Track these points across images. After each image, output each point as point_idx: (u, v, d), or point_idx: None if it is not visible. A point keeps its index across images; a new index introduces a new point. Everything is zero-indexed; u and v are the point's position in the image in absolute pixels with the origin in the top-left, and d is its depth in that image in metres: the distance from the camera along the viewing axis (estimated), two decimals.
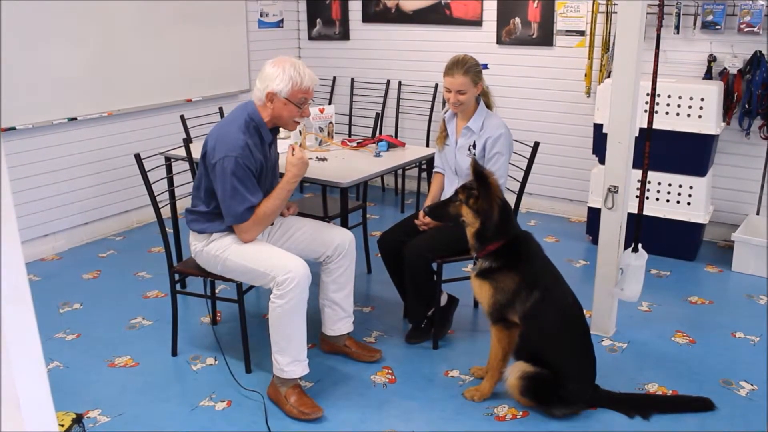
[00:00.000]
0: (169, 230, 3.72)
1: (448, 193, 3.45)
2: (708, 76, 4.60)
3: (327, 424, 2.84)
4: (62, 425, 2.55)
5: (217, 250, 2.99)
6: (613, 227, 3.39)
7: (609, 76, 4.69)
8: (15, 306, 0.99)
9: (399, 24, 5.93)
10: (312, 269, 2.90)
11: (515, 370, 2.86)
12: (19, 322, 0.99)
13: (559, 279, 2.92)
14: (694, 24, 4.59)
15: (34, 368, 1.05)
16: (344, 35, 6.26)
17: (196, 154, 3.39)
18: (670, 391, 3.06)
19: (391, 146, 3.99)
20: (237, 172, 2.79)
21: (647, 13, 3.99)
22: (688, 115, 4.31)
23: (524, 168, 3.59)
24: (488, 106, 3.44)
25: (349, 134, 6.08)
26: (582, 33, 5.10)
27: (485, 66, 3.41)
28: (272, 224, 3.20)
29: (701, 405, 2.91)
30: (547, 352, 2.83)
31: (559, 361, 2.81)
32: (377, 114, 4.66)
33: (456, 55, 3.35)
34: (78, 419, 2.63)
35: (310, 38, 6.49)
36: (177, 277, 3.35)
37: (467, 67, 3.27)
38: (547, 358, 2.82)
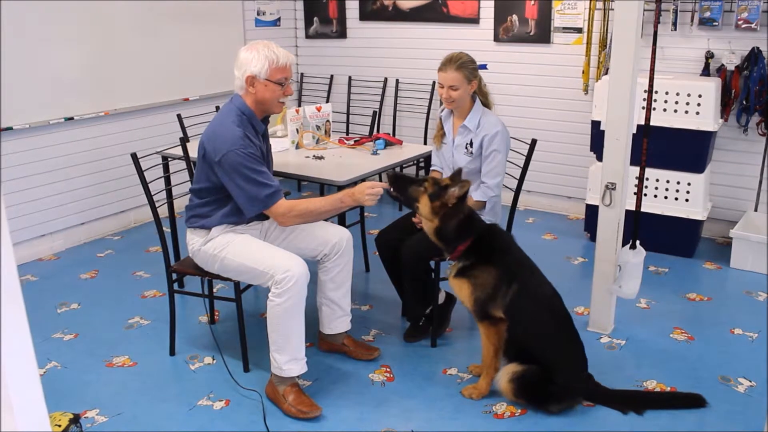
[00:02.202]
0: (167, 230, 3.72)
1: None
2: (706, 72, 4.60)
3: (325, 422, 2.84)
4: (59, 425, 2.55)
5: (214, 249, 2.99)
6: (611, 224, 3.39)
7: (606, 73, 4.68)
8: (7, 308, 0.98)
9: (396, 22, 5.92)
10: (309, 268, 2.89)
11: (505, 374, 2.86)
12: (10, 324, 0.99)
13: (535, 270, 2.92)
14: (692, 20, 4.59)
15: (27, 371, 1.04)
16: (341, 33, 6.25)
17: (193, 153, 3.38)
18: (669, 388, 3.06)
19: (388, 144, 3.98)
20: (246, 163, 2.79)
21: (644, 10, 3.99)
22: (686, 112, 4.31)
23: (522, 165, 3.58)
24: (487, 105, 3.44)
25: (347, 132, 6.07)
26: (579, 30, 5.10)
27: (484, 66, 3.41)
28: (270, 224, 3.19)
29: (693, 401, 2.91)
30: (533, 344, 2.83)
31: (545, 352, 2.81)
32: (375, 112, 4.65)
33: (452, 52, 3.35)
34: (75, 419, 2.63)
35: (308, 37, 6.48)
36: (175, 276, 3.34)
37: (460, 63, 3.27)
38: (533, 352, 2.82)
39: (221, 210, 2.98)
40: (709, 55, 4.57)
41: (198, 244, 3.04)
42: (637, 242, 3.33)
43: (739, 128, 4.58)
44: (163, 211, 3.52)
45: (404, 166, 3.78)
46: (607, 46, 4.89)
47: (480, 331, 2.93)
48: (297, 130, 3.97)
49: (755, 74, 4.35)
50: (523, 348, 2.85)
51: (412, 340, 3.48)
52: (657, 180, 4.51)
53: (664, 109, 4.36)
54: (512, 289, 2.79)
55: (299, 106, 6.11)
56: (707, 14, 4.50)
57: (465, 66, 3.28)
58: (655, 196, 4.53)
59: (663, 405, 2.91)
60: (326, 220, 3.51)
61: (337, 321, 3.26)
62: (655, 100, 4.35)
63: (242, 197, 2.86)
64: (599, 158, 4.41)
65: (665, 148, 4.35)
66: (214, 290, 3.84)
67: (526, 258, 2.93)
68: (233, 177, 2.82)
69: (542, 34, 5.24)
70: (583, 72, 5.11)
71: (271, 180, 2.88)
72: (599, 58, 5.00)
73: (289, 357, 2.88)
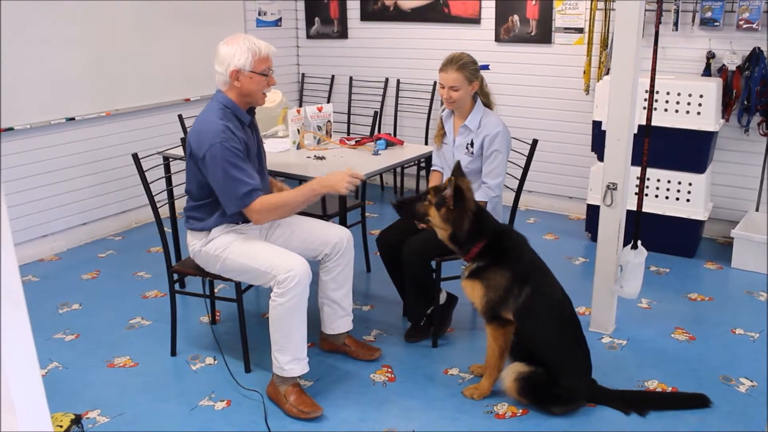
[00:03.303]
0: (168, 230, 3.72)
1: None
2: (707, 72, 4.60)
3: (326, 423, 2.84)
4: (61, 426, 2.55)
5: (216, 250, 2.98)
6: (612, 224, 3.38)
7: (608, 74, 4.68)
8: (8, 309, 0.98)
9: (397, 22, 5.92)
10: (311, 268, 2.89)
11: (510, 373, 2.85)
12: (12, 325, 0.99)
13: (548, 272, 2.91)
14: (693, 21, 4.59)
15: (29, 371, 1.04)
16: (342, 34, 6.26)
17: None
18: (670, 388, 3.06)
19: (389, 144, 3.98)
20: (226, 157, 2.78)
21: (646, 10, 3.99)
22: (687, 112, 4.30)
23: (523, 165, 3.58)
24: (488, 105, 3.43)
25: (348, 133, 6.08)
26: (581, 30, 5.09)
27: (486, 67, 3.40)
28: (270, 224, 3.19)
29: (697, 401, 2.91)
30: (541, 347, 2.82)
31: (552, 356, 2.80)
32: (376, 112, 4.65)
33: (453, 53, 3.35)
34: (77, 420, 2.63)
35: (309, 37, 6.48)
36: (176, 276, 3.35)
37: (461, 64, 3.27)
38: (540, 354, 2.81)
39: (218, 210, 2.97)
40: (711, 56, 4.57)
41: (198, 246, 3.04)
42: (639, 242, 3.33)
43: (740, 128, 4.58)
44: (164, 212, 3.53)
45: (405, 166, 3.79)
46: (609, 46, 4.89)
47: (487, 332, 2.92)
48: (298, 130, 3.97)
49: (756, 74, 4.35)
50: (530, 349, 2.84)
51: (413, 340, 3.48)
52: (658, 180, 4.50)
53: (666, 110, 4.36)
54: (525, 292, 2.79)
55: (300, 106, 6.11)
56: (708, 14, 4.50)
57: (466, 67, 3.28)
58: (657, 196, 4.53)
59: (667, 405, 2.91)
60: (327, 220, 3.52)
61: (338, 321, 3.26)
62: (657, 101, 4.34)
63: (221, 194, 2.86)
64: (600, 158, 4.41)
65: (666, 148, 4.35)
66: (216, 290, 3.84)
67: (539, 260, 2.92)
68: (215, 171, 2.80)
69: (543, 35, 5.24)
70: (584, 72, 5.11)
71: (251, 177, 2.84)
72: (600, 58, 4.99)
73: (291, 357, 2.88)
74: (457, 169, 2.89)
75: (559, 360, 2.81)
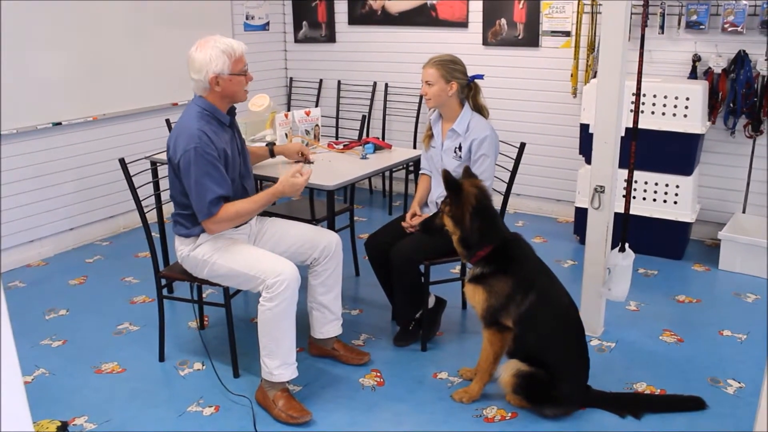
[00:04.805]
0: (156, 235, 3.70)
1: (434, 195, 3.46)
2: (693, 75, 4.63)
3: (316, 427, 2.83)
4: None
5: (204, 255, 2.97)
6: (600, 227, 3.40)
7: (595, 76, 4.71)
8: None
9: (385, 26, 5.93)
10: (300, 272, 2.88)
11: (510, 367, 2.84)
12: None
13: (554, 280, 2.91)
14: (679, 24, 4.62)
15: (11, 378, 1.03)
16: (330, 37, 6.26)
17: None
18: (659, 390, 3.07)
19: (377, 148, 3.98)
20: (198, 162, 2.76)
21: (632, 13, 4.01)
22: (674, 115, 4.33)
23: (511, 169, 3.59)
24: (480, 111, 3.42)
25: (336, 137, 6.07)
26: (568, 33, 5.12)
27: (480, 76, 3.40)
28: (258, 228, 3.18)
29: (693, 404, 2.92)
30: (544, 353, 2.81)
31: (555, 362, 2.80)
32: (364, 116, 4.65)
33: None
34: (63, 427, 2.61)
35: (297, 41, 6.48)
36: (164, 282, 3.33)
37: (438, 61, 3.30)
38: (543, 360, 2.80)
39: None
40: (696, 58, 4.60)
41: (186, 251, 3.02)
42: (626, 245, 3.34)
43: (726, 131, 4.61)
44: (151, 216, 3.51)
45: (394, 170, 3.78)
46: (595, 50, 4.91)
47: (483, 336, 2.91)
48: (286, 134, 3.96)
49: (742, 77, 4.38)
50: (533, 352, 2.83)
51: (402, 345, 3.48)
52: (645, 183, 4.52)
53: (652, 112, 4.38)
54: (528, 300, 2.78)
55: (288, 110, 6.11)
56: (694, 17, 4.53)
57: (443, 64, 3.28)
58: (644, 198, 4.55)
59: (662, 408, 2.91)
60: (316, 224, 3.50)
61: (328, 325, 3.25)
62: (643, 103, 4.37)
63: (192, 202, 2.84)
64: (588, 161, 4.43)
65: (653, 150, 4.38)
66: (204, 295, 3.83)
67: (545, 267, 2.93)
68: (188, 177, 2.79)
69: (531, 38, 5.26)
70: (571, 75, 5.13)
71: (220, 186, 2.81)
72: (587, 61, 5.02)
73: (280, 362, 2.87)
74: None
75: (560, 366, 2.81)
